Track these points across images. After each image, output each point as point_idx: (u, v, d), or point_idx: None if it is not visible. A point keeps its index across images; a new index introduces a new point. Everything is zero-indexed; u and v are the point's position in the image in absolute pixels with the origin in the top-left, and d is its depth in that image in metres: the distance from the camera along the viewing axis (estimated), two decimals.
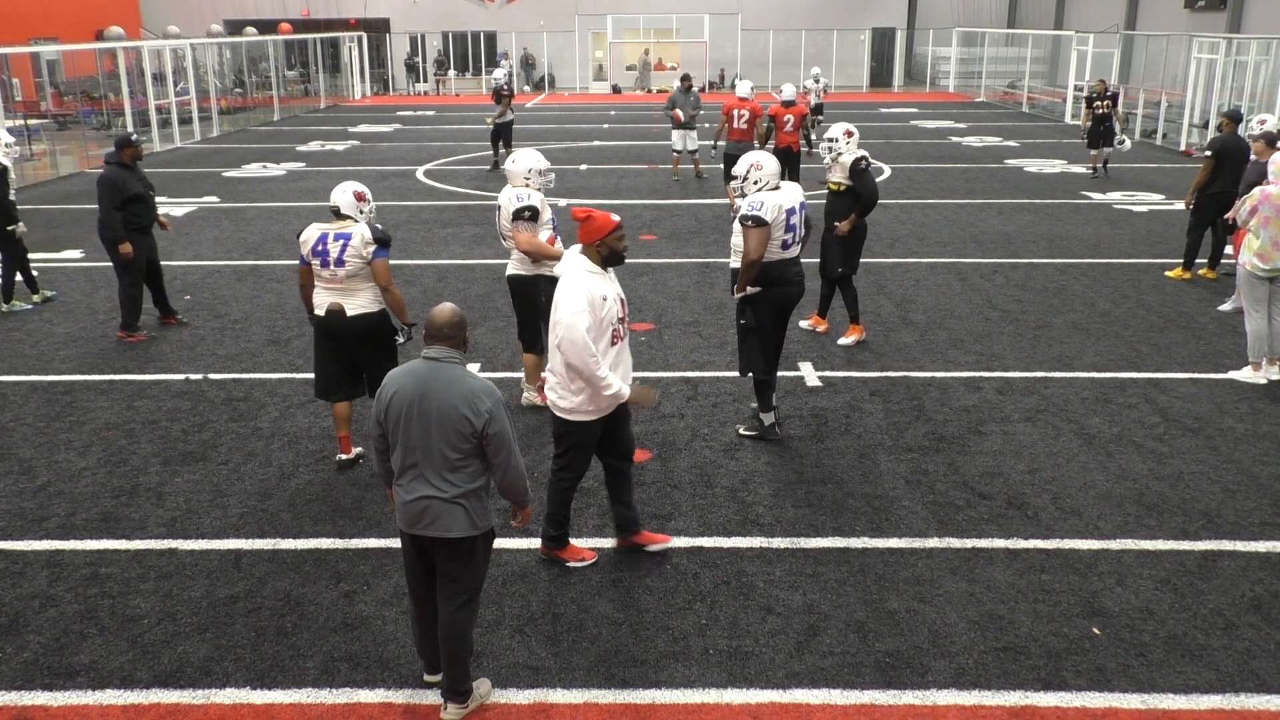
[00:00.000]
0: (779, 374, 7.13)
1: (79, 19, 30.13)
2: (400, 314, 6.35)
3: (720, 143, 15.74)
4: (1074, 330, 9.22)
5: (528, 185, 7.09)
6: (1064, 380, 7.99)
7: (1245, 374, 8.01)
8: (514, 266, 7.25)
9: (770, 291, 6.59)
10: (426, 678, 4.40)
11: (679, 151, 17.25)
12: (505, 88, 18.10)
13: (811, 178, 14.47)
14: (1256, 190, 7.88)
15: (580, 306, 4.86)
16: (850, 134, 8.76)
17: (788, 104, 14.51)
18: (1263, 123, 10.95)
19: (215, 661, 4.56)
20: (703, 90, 38.37)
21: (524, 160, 7.10)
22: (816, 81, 21.97)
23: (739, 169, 6.73)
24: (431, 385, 3.95)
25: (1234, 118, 11.18)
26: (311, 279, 6.25)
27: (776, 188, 6.58)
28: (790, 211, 6.49)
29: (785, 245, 6.55)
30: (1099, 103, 17.49)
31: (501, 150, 18.03)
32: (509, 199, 7.04)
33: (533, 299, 7.16)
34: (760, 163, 6.61)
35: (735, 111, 14.67)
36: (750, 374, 6.83)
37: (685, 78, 17.35)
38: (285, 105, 31.07)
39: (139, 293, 9.27)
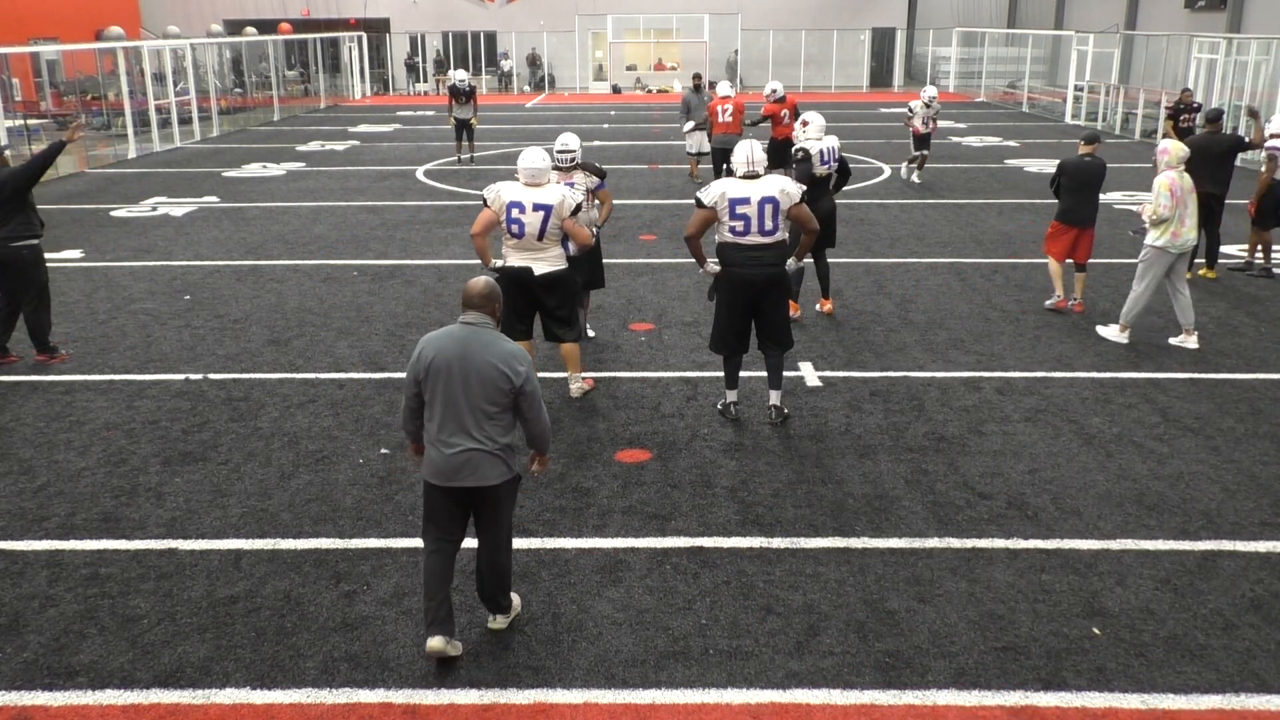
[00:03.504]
0: (787, 374, 7.19)
1: (79, 19, 30.12)
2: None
3: (691, 131, 16.93)
4: (1074, 330, 9.22)
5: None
6: (1064, 380, 8.00)
7: (1110, 331, 8.96)
8: (558, 263, 7.26)
9: (727, 271, 6.90)
10: (430, 643, 4.43)
11: (693, 154, 17.16)
12: (466, 87, 19.07)
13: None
14: (1165, 179, 8.45)
15: None
16: (805, 123, 9.36)
17: (779, 100, 15.53)
18: None
19: (215, 661, 4.56)
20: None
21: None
22: (928, 106, 16.87)
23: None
24: (472, 346, 4.38)
25: (1212, 118, 11.19)
26: None
27: (750, 176, 6.76)
28: (739, 201, 6.69)
29: (735, 232, 6.77)
30: (1185, 116, 15.91)
31: (465, 144, 19.63)
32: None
33: (571, 291, 7.51)
34: (735, 150, 6.92)
35: (720, 108, 15.55)
36: (713, 350, 7.27)
37: (697, 76, 17.42)
38: (285, 105, 31.06)
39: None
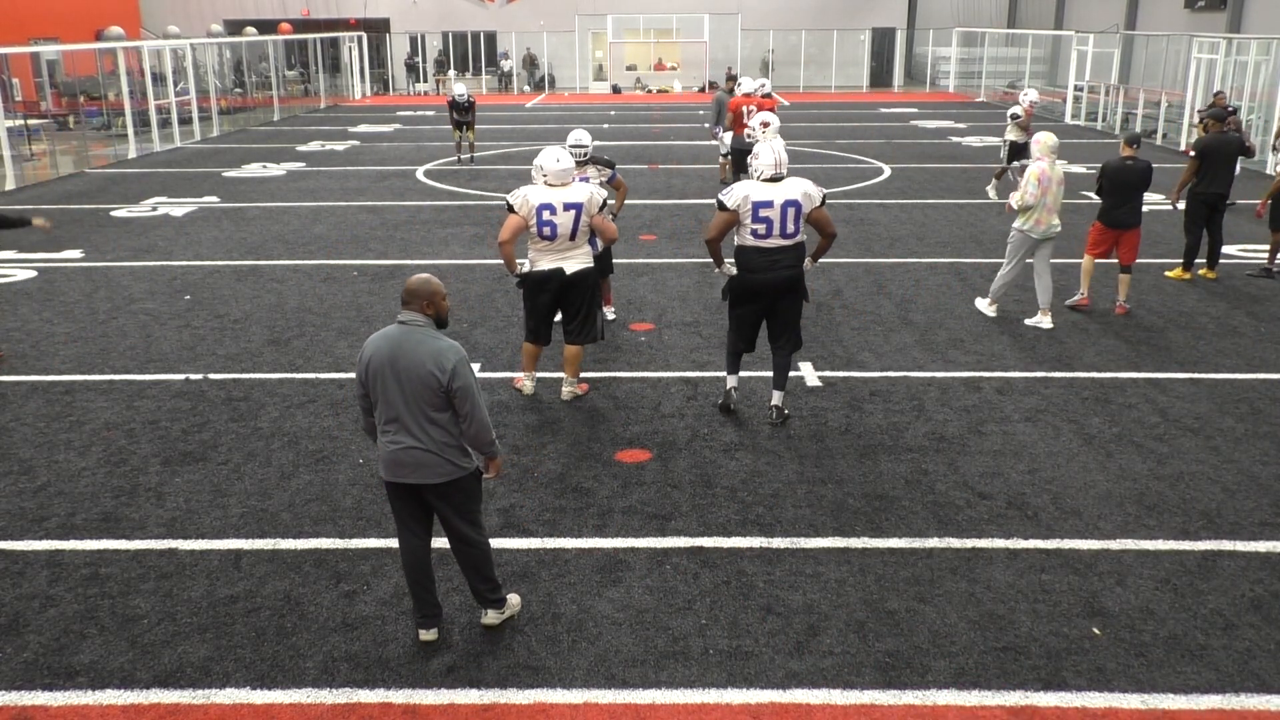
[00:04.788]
0: (789, 374, 7.23)
1: (79, 19, 30.12)
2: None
3: (725, 133, 16.42)
4: (1074, 330, 9.22)
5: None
6: (1064, 380, 8.00)
7: (981, 304, 9.69)
8: (586, 260, 7.27)
9: (742, 275, 6.92)
10: (423, 635, 4.65)
11: (727, 155, 16.84)
12: (465, 101, 19.21)
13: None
14: (1035, 169, 9.04)
15: None
16: (766, 125, 9.50)
17: (767, 96, 15.63)
18: None
19: (215, 661, 4.56)
20: (702, 90, 38.50)
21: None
22: (1027, 112, 15.26)
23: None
24: (402, 346, 4.39)
25: (1218, 117, 11.20)
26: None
27: (774, 179, 6.73)
28: (762, 205, 6.69)
29: (757, 235, 6.77)
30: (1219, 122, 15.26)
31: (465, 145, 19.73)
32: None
33: (595, 289, 7.49)
34: (758, 152, 6.84)
35: (745, 108, 15.15)
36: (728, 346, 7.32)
37: (732, 79, 17.35)
38: (285, 105, 31.07)
39: None
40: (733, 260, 6.96)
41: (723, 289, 7.21)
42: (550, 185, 7.09)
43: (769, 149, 6.77)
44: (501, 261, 7.41)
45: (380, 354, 4.40)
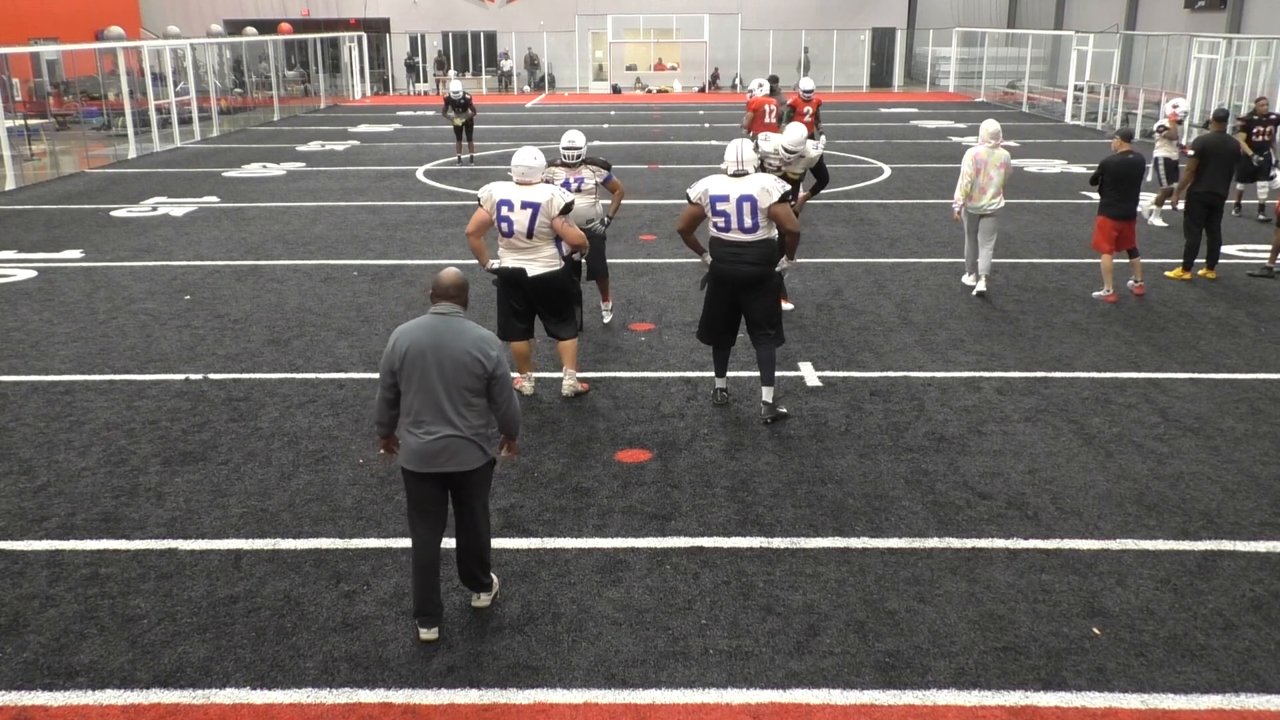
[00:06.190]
0: (783, 373, 7.26)
1: (79, 19, 30.13)
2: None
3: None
4: (1074, 330, 9.22)
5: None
6: (1064, 380, 8.00)
7: (969, 280, 10.54)
8: (551, 264, 7.26)
9: (713, 264, 7.13)
10: (423, 634, 4.68)
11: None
12: (461, 99, 19.29)
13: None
14: (970, 151, 10.06)
15: None
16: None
17: (807, 96, 15.91)
18: None
19: (215, 661, 4.56)
20: (702, 90, 38.52)
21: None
22: (1179, 121, 13.62)
23: None
24: (444, 336, 4.50)
25: (1220, 117, 11.28)
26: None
27: (738, 174, 6.93)
28: (719, 199, 6.91)
29: (718, 228, 6.99)
30: (1259, 129, 13.60)
31: (464, 144, 19.79)
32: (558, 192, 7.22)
33: (569, 288, 7.53)
34: (726, 149, 7.08)
35: (766, 107, 15.50)
36: (699, 339, 7.49)
37: (773, 79, 17.42)
38: (285, 105, 31.05)
39: None
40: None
41: (701, 279, 7.39)
42: (517, 182, 7.14)
43: (733, 147, 6.99)
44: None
45: (419, 343, 4.49)
